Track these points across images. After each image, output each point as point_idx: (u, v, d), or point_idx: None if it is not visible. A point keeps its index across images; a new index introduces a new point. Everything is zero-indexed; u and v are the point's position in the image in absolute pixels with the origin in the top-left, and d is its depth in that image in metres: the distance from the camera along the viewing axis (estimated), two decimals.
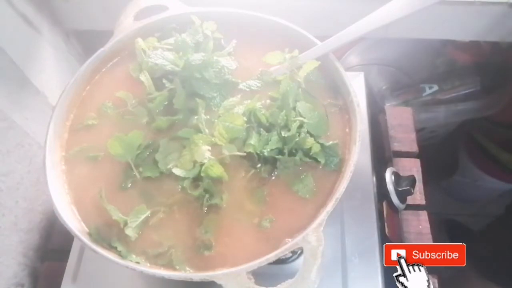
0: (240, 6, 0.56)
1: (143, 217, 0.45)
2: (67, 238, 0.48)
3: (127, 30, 0.56)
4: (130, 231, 0.44)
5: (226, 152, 0.46)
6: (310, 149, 0.47)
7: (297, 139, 0.47)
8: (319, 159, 0.47)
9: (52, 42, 0.77)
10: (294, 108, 0.49)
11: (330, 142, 0.48)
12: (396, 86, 0.97)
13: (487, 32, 0.76)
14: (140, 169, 0.48)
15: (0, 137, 0.62)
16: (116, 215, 0.45)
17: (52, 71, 0.75)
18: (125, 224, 0.44)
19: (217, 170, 0.45)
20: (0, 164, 0.62)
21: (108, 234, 0.45)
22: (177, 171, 0.46)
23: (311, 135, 0.48)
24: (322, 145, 0.47)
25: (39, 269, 0.68)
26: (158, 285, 0.56)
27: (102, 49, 0.55)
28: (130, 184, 0.48)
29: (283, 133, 0.47)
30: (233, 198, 0.47)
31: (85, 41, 0.85)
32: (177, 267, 0.43)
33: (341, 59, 0.95)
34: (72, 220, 0.45)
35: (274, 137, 0.47)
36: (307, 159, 0.47)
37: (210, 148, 0.46)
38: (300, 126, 0.48)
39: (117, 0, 0.63)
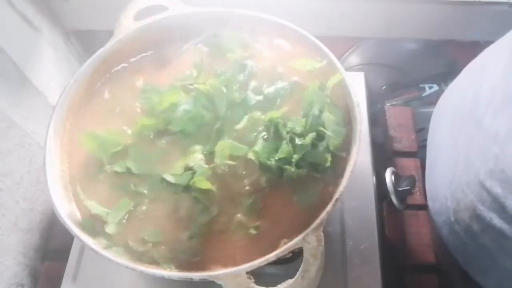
0: (240, 6, 0.56)
1: (124, 212, 0.45)
2: (67, 238, 0.47)
3: (127, 30, 0.56)
4: (111, 228, 0.44)
5: (217, 161, 0.46)
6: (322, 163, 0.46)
7: (308, 148, 0.45)
8: (326, 175, 0.46)
9: (52, 42, 0.77)
10: (318, 117, 0.47)
11: (342, 154, 0.47)
12: (396, 86, 0.96)
13: (487, 32, 0.76)
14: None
15: (0, 137, 0.62)
16: (97, 209, 0.45)
17: (52, 71, 0.75)
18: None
19: (205, 185, 0.45)
20: (0, 164, 0.62)
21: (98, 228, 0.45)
22: (168, 177, 0.45)
23: (329, 151, 0.46)
24: (336, 155, 0.46)
25: (39, 269, 0.68)
26: (158, 285, 0.56)
27: (102, 49, 0.55)
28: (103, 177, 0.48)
29: (298, 141, 0.45)
30: (226, 206, 0.46)
31: (85, 41, 0.85)
32: (163, 266, 0.43)
33: (341, 59, 0.96)
34: (72, 220, 0.45)
35: (284, 145, 0.45)
36: (315, 173, 0.46)
37: (203, 157, 0.46)
38: (320, 138, 0.46)
39: (117, 0, 0.63)
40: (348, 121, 0.49)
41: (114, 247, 0.44)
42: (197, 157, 0.46)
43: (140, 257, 0.44)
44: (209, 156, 0.47)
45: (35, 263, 0.68)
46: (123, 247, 0.44)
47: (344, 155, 0.46)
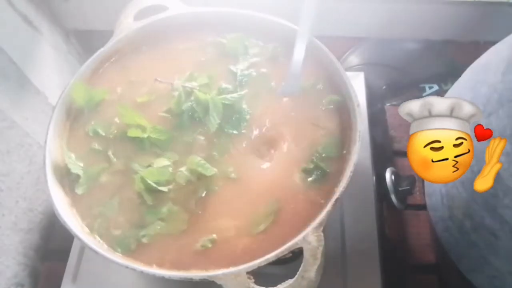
0: (240, 6, 0.56)
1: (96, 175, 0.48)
2: (67, 238, 0.48)
3: (127, 30, 0.56)
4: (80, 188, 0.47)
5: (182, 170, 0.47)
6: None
7: None
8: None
9: (52, 42, 0.77)
10: None
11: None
12: (396, 86, 0.96)
13: (487, 32, 0.76)
14: None
15: (0, 137, 0.62)
16: (74, 165, 0.48)
17: (52, 71, 0.75)
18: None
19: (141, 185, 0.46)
20: (0, 164, 0.62)
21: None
22: (134, 166, 0.48)
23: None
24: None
25: (39, 269, 0.68)
26: (158, 285, 0.56)
27: (102, 49, 0.55)
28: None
29: None
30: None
31: (85, 41, 0.85)
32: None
33: (341, 59, 0.95)
34: (72, 220, 0.45)
35: None
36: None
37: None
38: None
39: (117, 0, 0.63)
40: (346, 124, 0.50)
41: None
42: (162, 161, 0.47)
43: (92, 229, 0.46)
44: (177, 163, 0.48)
45: (35, 263, 0.68)
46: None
47: (339, 159, 0.47)
